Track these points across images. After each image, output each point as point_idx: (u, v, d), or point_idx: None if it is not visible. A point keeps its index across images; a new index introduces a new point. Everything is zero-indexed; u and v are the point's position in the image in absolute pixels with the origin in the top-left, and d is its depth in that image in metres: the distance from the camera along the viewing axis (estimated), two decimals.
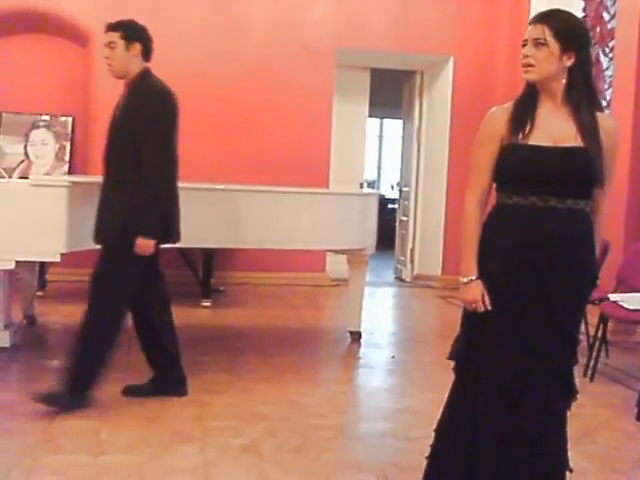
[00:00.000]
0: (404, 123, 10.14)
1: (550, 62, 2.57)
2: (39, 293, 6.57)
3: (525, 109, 2.65)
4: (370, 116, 9.65)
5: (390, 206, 12.66)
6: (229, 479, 3.28)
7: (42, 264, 6.57)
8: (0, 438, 3.65)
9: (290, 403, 4.32)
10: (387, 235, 9.81)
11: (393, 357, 5.59)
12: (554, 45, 2.55)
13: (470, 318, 2.71)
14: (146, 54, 4.16)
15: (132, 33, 4.10)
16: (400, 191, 10.05)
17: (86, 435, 3.68)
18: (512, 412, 2.64)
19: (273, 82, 8.21)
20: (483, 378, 2.68)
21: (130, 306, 4.24)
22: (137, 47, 4.10)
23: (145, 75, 4.15)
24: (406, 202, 9.67)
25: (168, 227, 4.14)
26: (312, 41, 8.26)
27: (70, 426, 3.80)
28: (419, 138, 9.43)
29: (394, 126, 13.93)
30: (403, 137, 10.17)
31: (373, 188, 13.11)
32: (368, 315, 6.43)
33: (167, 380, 4.35)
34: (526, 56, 2.59)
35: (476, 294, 2.64)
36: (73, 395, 4.00)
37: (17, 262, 4.56)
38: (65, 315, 6.37)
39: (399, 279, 9.63)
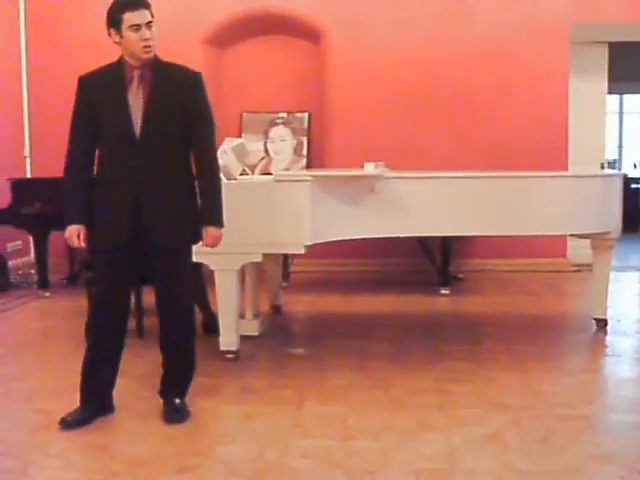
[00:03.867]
0: None
1: None
2: (283, 284, 6.85)
3: None
4: (609, 92, 9.20)
5: (634, 186, 12.01)
6: (474, 467, 3.26)
7: (285, 256, 6.85)
8: (252, 421, 3.83)
9: (534, 392, 4.23)
10: (631, 217, 9.31)
11: None
12: None
13: None
14: None
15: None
16: None
17: (333, 421, 3.80)
18: None
19: (504, 65, 8.03)
20: None
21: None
22: None
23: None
24: None
25: None
26: (544, 20, 7.98)
27: (317, 412, 3.94)
28: None
29: (636, 101, 13.22)
30: None
31: (614, 168, 12.51)
32: (614, 301, 6.16)
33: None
34: None
35: None
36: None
37: (264, 255, 4.76)
38: (308, 304, 6.62)
39: None
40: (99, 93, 3.69)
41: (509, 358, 4.88)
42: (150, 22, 3.62)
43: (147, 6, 3.63)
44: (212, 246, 3.84)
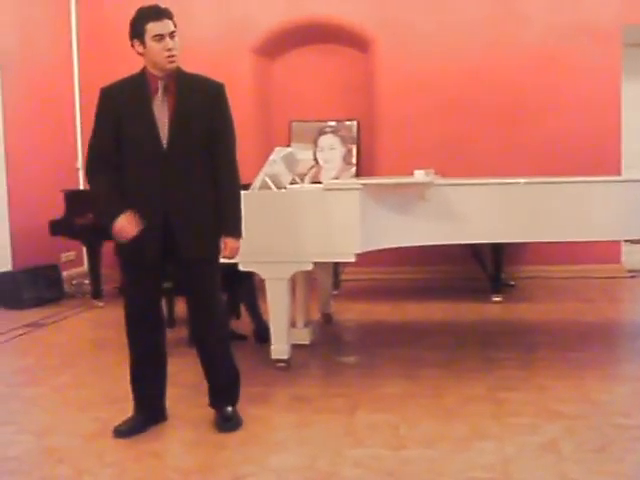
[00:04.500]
0: None
1: None
2: (334, 292, 6.84)
3: None
4: None
5: None
6: (528, 477, 3.22)
7: (336, 264, 6.85)
8: (304, 430, 3.83)
9: (589, 401, 4.15)
10: None
11: None
12: None
13: None
14: None
15: None
16: None
17: (385, 429, 3.78)
18: None
19: (555, 68, 7.94)
20: None
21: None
22: None
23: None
24: None
25: None
26: (595, 22, 7.89)
27: (369, 420, 3.91)
28: None
29: None
30: None
31: None
32: None
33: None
34: None
35: None
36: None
37: (314, 263, 4.76)
38: (359, 313, 6.60)
39: None
40: (123, 105, 3.67)
41: (563, 366, 4.81)
42: (173, 32, 3.62)
43: (170, 16, 3.63)
44: (230, 257, 3.83)
